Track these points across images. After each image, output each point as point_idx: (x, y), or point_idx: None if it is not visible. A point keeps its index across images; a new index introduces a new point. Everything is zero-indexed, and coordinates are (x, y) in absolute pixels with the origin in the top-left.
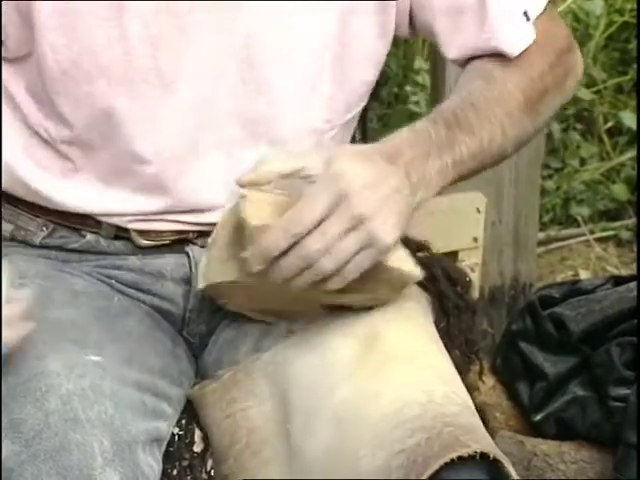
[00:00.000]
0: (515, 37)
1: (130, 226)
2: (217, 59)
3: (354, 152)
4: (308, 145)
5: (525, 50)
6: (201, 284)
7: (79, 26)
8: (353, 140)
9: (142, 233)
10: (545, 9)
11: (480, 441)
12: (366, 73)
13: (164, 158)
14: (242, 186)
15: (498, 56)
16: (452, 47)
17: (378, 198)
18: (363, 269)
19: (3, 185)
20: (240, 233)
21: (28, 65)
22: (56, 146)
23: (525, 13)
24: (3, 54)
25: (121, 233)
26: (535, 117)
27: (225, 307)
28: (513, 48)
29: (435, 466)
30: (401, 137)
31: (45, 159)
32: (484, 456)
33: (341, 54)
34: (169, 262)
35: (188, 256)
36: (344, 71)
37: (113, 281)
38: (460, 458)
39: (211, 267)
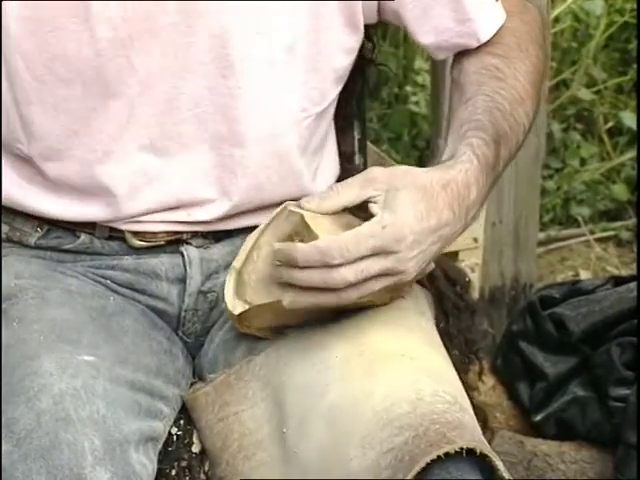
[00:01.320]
0: (489, 18)
1: (124, 227)
2: (192, 57)
3: (415, 188)
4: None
5: (516, 36)
6: (237, 309)
7: (48, 32)
8: (352, 139)
9: (136, 234)
10: None
11: (466, 437)
12: (338, 60)
13: (147, 153)
14: (302, 208)
15: (491, 45)
16: (423, 32)
17: (420, 253)
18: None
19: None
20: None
21: None
22: (33, 162)
23: None
24: None
25: (115, 234)
26: (539, 104)
27: (244, 331)
28: (488, 29)
29: (421, 464)
30: (467, 168)
31: (27, 175)
32: (472, 452)
33: (313, 42)
34: (164, 262)
35: (183, 256)
36: (317, 59)
37: (108, 281)
38: (449, 455)
39: (248, 290)
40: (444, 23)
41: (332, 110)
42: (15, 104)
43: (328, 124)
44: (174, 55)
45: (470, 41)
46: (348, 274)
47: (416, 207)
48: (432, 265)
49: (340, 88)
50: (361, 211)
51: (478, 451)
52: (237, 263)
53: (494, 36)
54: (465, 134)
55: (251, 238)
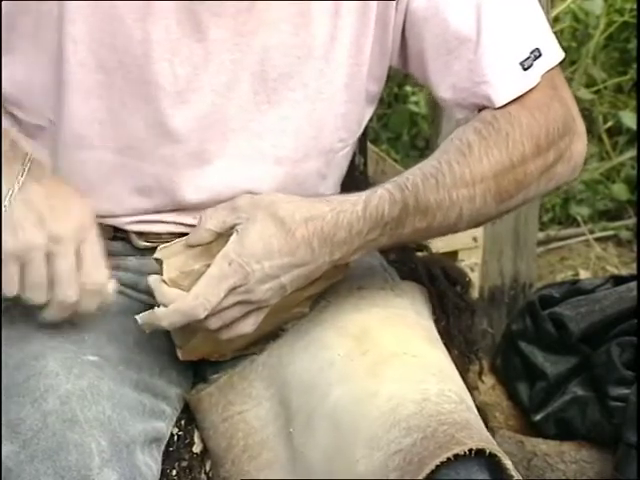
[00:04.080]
0: (508, 83)
1: (128, 228)
2: (232, 74)
3: (273, 220)
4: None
5: (514, 124)
6: (179, 355)
7: (103, 19)
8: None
9: (141, 235)
10: (550, 70)
11: (475, 437)
12: (371, 89)
13: (167, 162)
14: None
15: (481, 121)
16: (443, 87)
17: (276, 285)
18: (254, 326)
19: None
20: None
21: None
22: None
23: (522, 62)
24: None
25: (119, 234)
26: (503, 203)
27: (215, 359)
28: (503, 95)
29: (431, 466)
30: (344, 209)
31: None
32: (481, 452)
33: (355, 74)
34: None
35: None
36: (357, 90)
37: None
38: (457, 455)
39: (178, 338)
40: (462, 82)
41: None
42: (52, 87)
43: (355, 146)
44: (217, 71)
45: (485, 103)
46: (215, 323)
47: (267, 241)
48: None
49: (372, 112)
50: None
51: (487, 451)
52: None
53: (490, 114)
54: (383, 185)
55: None
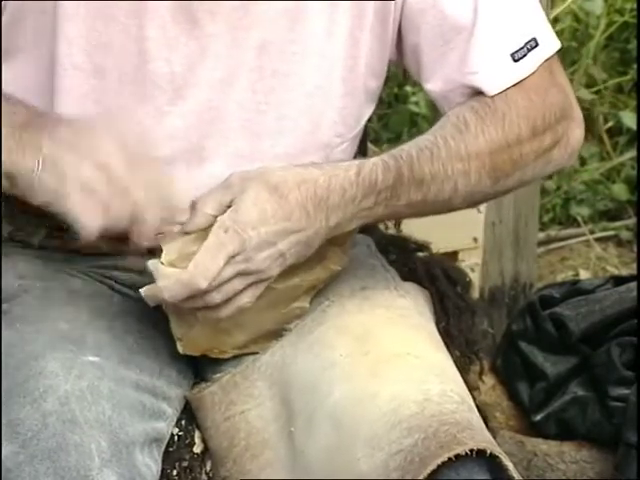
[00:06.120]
0: (495, 75)
1: None
2: (229, 69)
3: (265, 187)
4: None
5: (511, 105)
6: (179, 348)
7: (97, 19)
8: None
9: None
10: (548, 59)
11: (477, 438)
12: (371, 84)
13: (165, 162)
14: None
15: (478, 101)
16: (434, 79)
17: (275, 252)
18: (253, 298)
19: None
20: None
21: (26, 65)
22: None
23: (513, 54)
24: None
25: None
26: (499, 182)
27: (216, 356)
28: (491, 86)
29: (432, 466)
30: (336, 174)
31: None
32: (482, 452)
33: (351, 67)
34: None
35: None
36: (354, 85)
37: (112, 281)
38: (458, 456)
39: (172, 325)
40: (452, 74)
41: (362, 131)
42: (48, 92)
43: (357, 143)
44: (213, 66)
45: (474, 95)
46: (215, 297)
47: (261, 207)
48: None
49: (372, 110)
50: None
51: (489, 452)
52: None
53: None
54: (377, 154)
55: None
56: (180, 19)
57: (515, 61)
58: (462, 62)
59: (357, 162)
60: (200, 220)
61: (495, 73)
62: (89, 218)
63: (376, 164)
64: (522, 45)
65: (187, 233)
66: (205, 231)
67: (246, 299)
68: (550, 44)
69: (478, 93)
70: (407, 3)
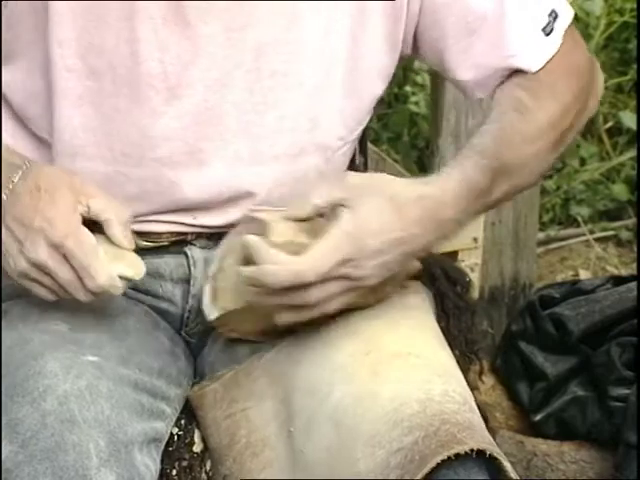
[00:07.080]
0: (534, 53)
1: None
2: (224, 70)
3: (386, 197)
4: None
5: (552, 76)
6: (213, 315)
7: (89, 21)
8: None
9: (141, 234)
10: (567, 27)
11: (477, 438)
12: (375, 87)
13: (163, 163)
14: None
15: (523, 78)
16: (463, 68)
17: (383, 262)
18: (340, 306)
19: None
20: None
21: (23, 68)
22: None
23: (544, 29)
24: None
25: None
26: (558, 151)
27: (229, 336)
28: (532, 64)
29: (431, 464)
30: (448, 187)
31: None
32: (482, 453)
33: (352, 68)
34: (168, 262)
35: (187, 256)
36: (355, 86)
37: None
38: (458, 455)
39: (222, 296)
40: (486, 60)
41: (360, 133)
42: (45, 96)
43: (355, 145)
44: (208, 66)
45: (521, 79)
46: (319, 294)
47: (382, 216)
48: (417, 264)
49: (373, 113)
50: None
51: (488, 453)
52: (212, 271)
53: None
54: (464, 155)
55: (223, 245)
56: (171, 20)
57: (547, 35)
58: (496, 47)
59: (459, 168)
60: (306, 208)
61: (534, 51)
62: (42, 294)
63: (474, 168)
64: (547, 19)
65: (288, 218)
66: (309, 222)
67: (335, 305)
68: (567, 12)
69: (515, 72)
70: (426, 0)
